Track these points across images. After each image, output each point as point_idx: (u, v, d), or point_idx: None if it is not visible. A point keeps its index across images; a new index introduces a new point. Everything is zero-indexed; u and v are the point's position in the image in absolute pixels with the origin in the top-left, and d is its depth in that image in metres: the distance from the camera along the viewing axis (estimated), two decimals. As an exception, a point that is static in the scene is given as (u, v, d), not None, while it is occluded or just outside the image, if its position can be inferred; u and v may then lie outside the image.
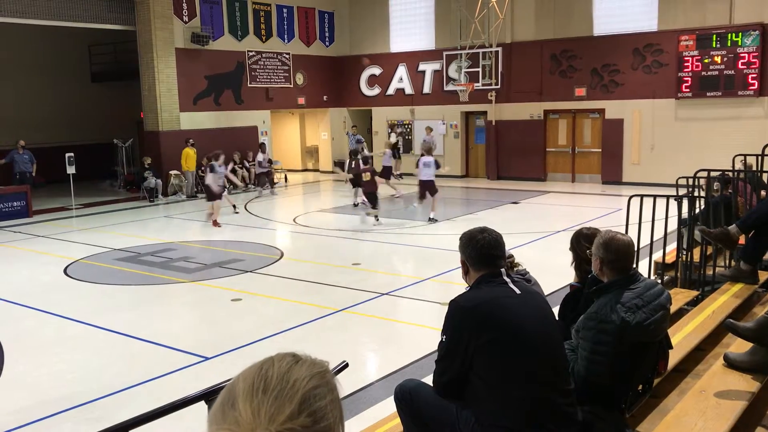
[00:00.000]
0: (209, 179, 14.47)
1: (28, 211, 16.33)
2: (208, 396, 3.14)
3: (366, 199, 14.75)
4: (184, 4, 19.72)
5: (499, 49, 21.01)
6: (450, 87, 22.19)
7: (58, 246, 13.02)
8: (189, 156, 18.92)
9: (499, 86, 21.28)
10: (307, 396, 1.09)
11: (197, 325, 8.49)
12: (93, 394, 6.01)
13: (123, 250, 12.39)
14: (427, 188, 14.56)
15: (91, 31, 19.42)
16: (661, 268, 7.00)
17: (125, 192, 20.18)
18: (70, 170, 17.36)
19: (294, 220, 15.58)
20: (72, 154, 17.24)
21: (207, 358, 6.88)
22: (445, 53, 22.26)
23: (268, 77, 22.51)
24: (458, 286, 3.38)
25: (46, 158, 18.25)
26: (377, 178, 15.05)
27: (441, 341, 3.09)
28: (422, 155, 15.06)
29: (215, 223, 14.37)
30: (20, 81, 21.46)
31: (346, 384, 3.00)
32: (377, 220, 14.29)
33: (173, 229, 14.55)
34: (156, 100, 19.50)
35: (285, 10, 22.84)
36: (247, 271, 10.65)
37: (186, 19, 19.80)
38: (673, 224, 7.22)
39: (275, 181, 21.56)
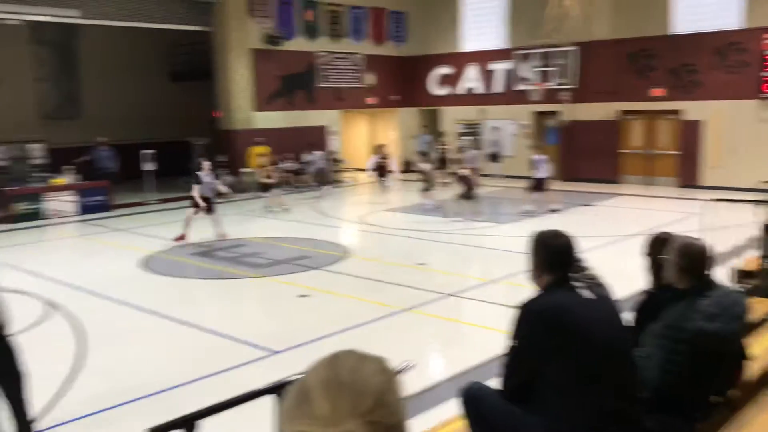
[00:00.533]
0: (195, 191, 12.77)
1: (109, 206, 17.01)
2: (277, 389, 3.20)
3: (464, 197, 14.81)
4: (260, 6, 20.14)
5: (574, 48, 20.60)
6: (521, 86, 21.91)
7: (135, 239, 13.51)
8: (256, 154, 19.34)
9: (572, 86, 20.86)
10: (380, 390, 1.11)
11: (265, 319, 8.65)
12: (164, 385, 6.20)
13: (197, 244, 12.74)
14: (543, 185, 15.40)
15: (171, 32, 20.06)
16: (742, 275, 6.72)
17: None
18: (148, 166, 17.98)
19: (361, 218, 15.69)
20: (149, 151, 17.84)
21: (274, 353, 7.00)
22: (517, 52, 21.98)
23: (339, 77, 22.75)
24: (527, 289, 3.34)
25: (126, 155, 18.91)
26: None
27: (509, 345, 3.06)
28: (536, 154, 15.97)
29: (181, 238, 12.71)
30: (104, 81, 22.32)
31: (411, 383, 3.00)
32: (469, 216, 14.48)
33: (244, 225, 14.88)
34: (230, 100, 20.03)
35: (357, 11, 23.02)
36: (314, 268, 10.79)
37: (260, 20, 20.21)
38: (755, 230, 6.92)
39: (342, 180, 21.81)
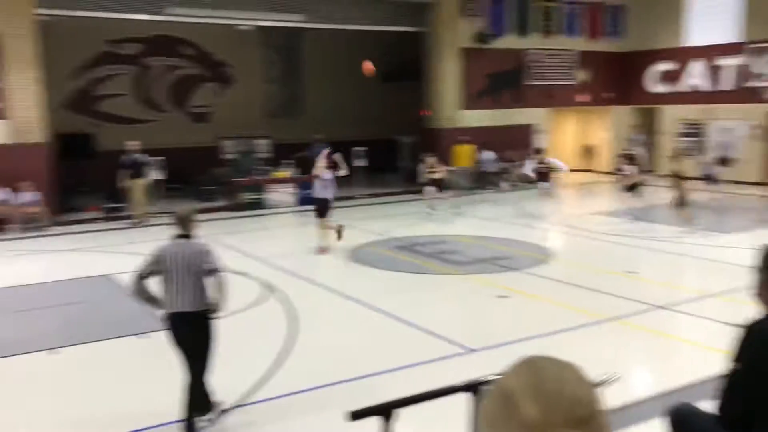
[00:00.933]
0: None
1: (322, 198, 18.08)
2: (474, 388, 3.18)
3: (678, 203, 13.58)
4: (472, 5, 20.26)
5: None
6: (755, 84, 19.87)
7: (344, 231, 14.22)
8: (461, 153, 19.43)
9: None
10: (590, 400, 1.08)
11: (463, 316, 8.68)
12: (363, 371, 6.46)
13: (400, 238, 13.13)
14: None
15: (384, 33, 20.84)
16: None
17: (406, 185, 21.34)
18: (358, 163, 18.90)
19: (566, 220, 15.19)
20: (360, 148, 18.74)
21: (470, 351, 7.00)
22: (751, 46, 19.96)
23: (549, 75, 22.21)
24: (750, 307, 3.00)
25: (340, 151, 19.90)
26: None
27: (730, 368, 2.78)
28: None
29: (322, 250, 11.91)
30: (324, 81, 23.74)
31: (614, 397, 2.85)
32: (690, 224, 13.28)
33: (447, 223, 15.06)
34: (438, 99, 20.39)
35: (572, 7, 22.30)
36: (514, 269, 10.63)
37: (472, 19, 20.34)
38: None
39: (549, 180, 21.28)
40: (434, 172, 16.02)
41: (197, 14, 17.41)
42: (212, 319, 5.35)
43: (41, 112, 15.33)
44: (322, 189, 12.08)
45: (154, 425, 5.41)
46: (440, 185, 16.08)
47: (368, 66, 12.13)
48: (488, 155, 20.15)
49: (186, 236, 5.33)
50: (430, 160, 16.33)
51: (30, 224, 14.63)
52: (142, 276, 5.27)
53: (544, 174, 17.20)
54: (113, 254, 12.25)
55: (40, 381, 6.59)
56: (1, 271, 11.23)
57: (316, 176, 12.12)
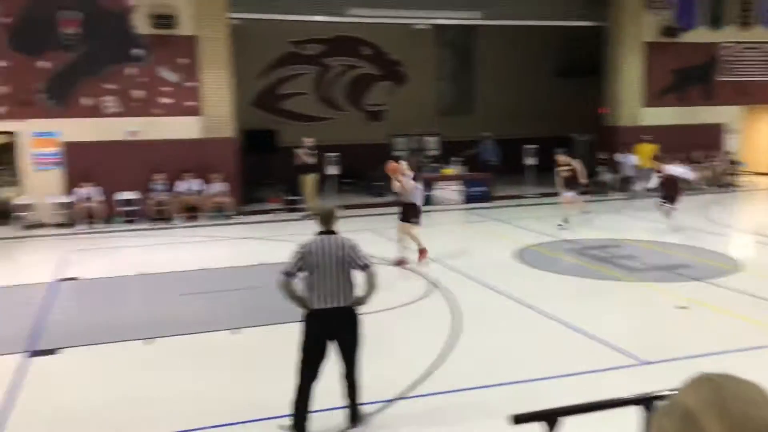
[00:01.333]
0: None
1: (490, 197, 17.98)
2: (647, 402, 3.00)
3: None
4: (659, -3, 19.20)
5: None
6: None
7: (511, 230, 14.02)
8: (642, 152, 18.37)
9: None
10: None
11: (636, 326, 8.22)
12: (527, 375, 6.32)
13: (571, 240, 12.70)
14: None
15: (560, 28, 20.26)
16: None
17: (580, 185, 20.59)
18: (529, 161, 18.54)
19: (759, 228, 13.89)
20: (531, 146, 18.35)
21: (643, 362, 6.61)
22: None
23: (745, 70, 20.42)
24: None
25: (509, 149, 19.66)
26: None
27: None
28: None
29: (404, 261, 10.89)
30: (495, 78, 23.47)
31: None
32: None
33: (623, 226, 14.36)
34: (618, 95, 19.48)
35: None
36: (696, 279, 9.89)
37: (658, 12, 19.21)
38: None
39: (739, 184, 19.60)
40: (568, 171, 13.93)
41: (376, 15, 17.92)
42: (360, 313, 5.43)
43: (231, 110, 16.56)
44: (411, 195, 11.13)
45: (324, 408, 5.61)
46: (578, 187, 14.09)
47: (392, 167, 11.51)
48: (630, 158, 18.65)
49: (331, 232, 5.41)
50: (562, 157, 14.25)
51: (218, 213, 15.88)
52: (291, 274, 5.28)
53: (668, 187, 13.71)
54: (290, 243, 12.95)
55: (222, 358, 7.12)
56: (192, 255, 12.30)
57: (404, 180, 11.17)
